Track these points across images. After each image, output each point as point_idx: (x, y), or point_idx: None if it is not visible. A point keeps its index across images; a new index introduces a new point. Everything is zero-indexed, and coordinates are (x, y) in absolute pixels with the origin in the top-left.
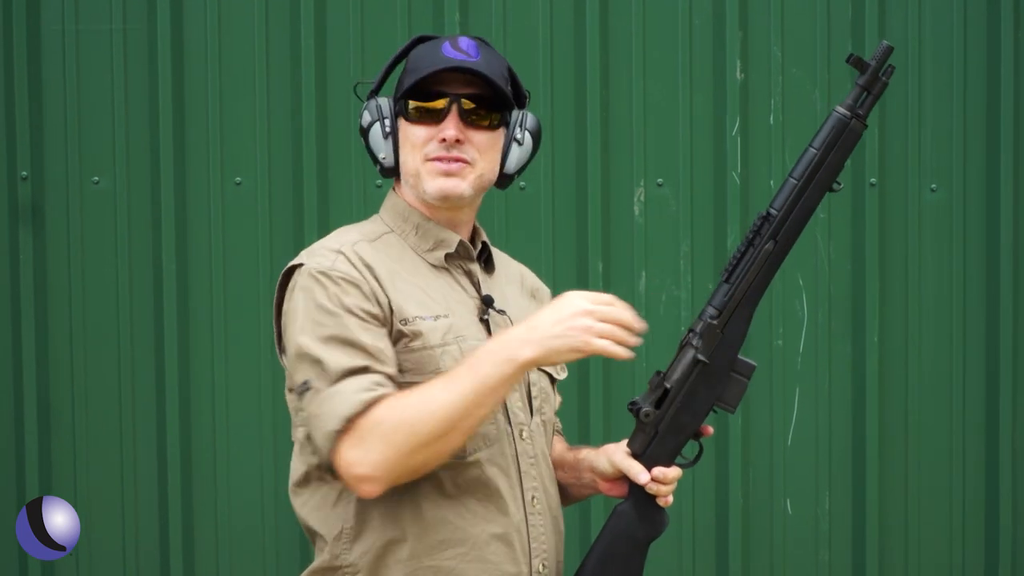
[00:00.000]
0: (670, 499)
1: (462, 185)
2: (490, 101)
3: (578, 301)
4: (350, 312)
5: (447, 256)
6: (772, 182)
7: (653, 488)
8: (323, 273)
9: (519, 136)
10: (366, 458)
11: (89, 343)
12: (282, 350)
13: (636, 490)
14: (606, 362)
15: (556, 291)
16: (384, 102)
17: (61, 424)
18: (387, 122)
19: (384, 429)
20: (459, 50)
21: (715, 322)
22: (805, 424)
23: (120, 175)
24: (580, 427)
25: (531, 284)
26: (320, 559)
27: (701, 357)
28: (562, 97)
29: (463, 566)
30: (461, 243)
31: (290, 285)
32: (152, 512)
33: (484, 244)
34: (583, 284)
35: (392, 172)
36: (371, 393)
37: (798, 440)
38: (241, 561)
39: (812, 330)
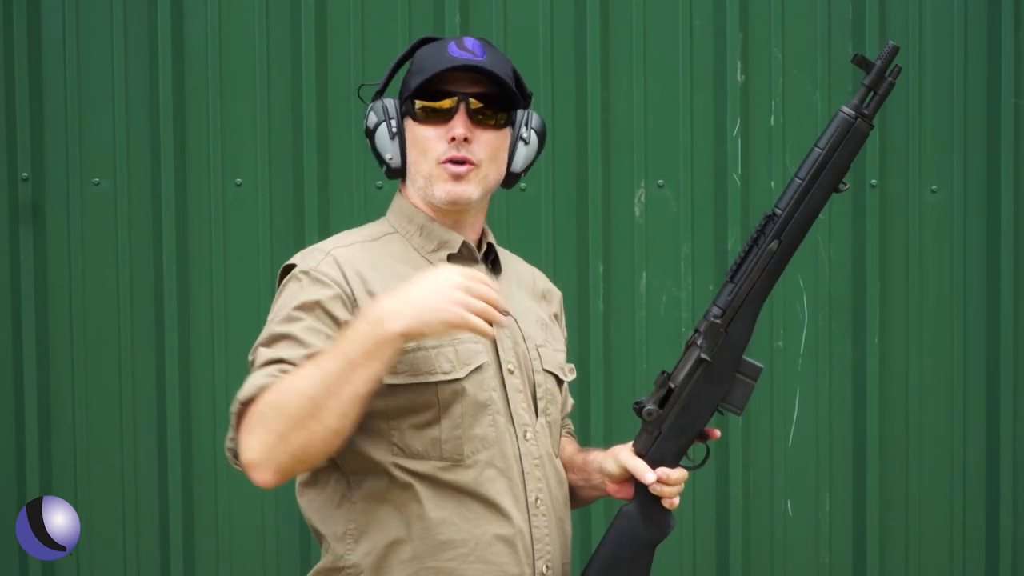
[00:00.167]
0: (676, 501)
1: (470, 189)
2: (497, 100)
3: (453, 276)
4: (310, 311)
5: (450, 257)
6: (773, 183)
7: (658, 489)
8: (305, 272)
9: (525, 135)
10: (250, 443)
11: (89, 344)
12: None
13: (642, 491)
14: (606, 362)
15: None
16: (390, 103)
17: (61, 424)
18: (393, 123)
19: (261, 412)
20: (465, 50)
21: (719, 321)
22: (806, 425)
23: (120, 176)
24: (580, 427)
25: (542, 287)
26: (324, 560)
27: (704, 356)
28: (562, 98)
29: (465, 567)
30: (465, 244)
31: (284, 282)
32: (152, 512)
33: (490, 245)
34: (583, 285)
35: (398, 173)
36: (269, 379)
37: (799, 441)
38: (241, 561)
39: (813, 331)
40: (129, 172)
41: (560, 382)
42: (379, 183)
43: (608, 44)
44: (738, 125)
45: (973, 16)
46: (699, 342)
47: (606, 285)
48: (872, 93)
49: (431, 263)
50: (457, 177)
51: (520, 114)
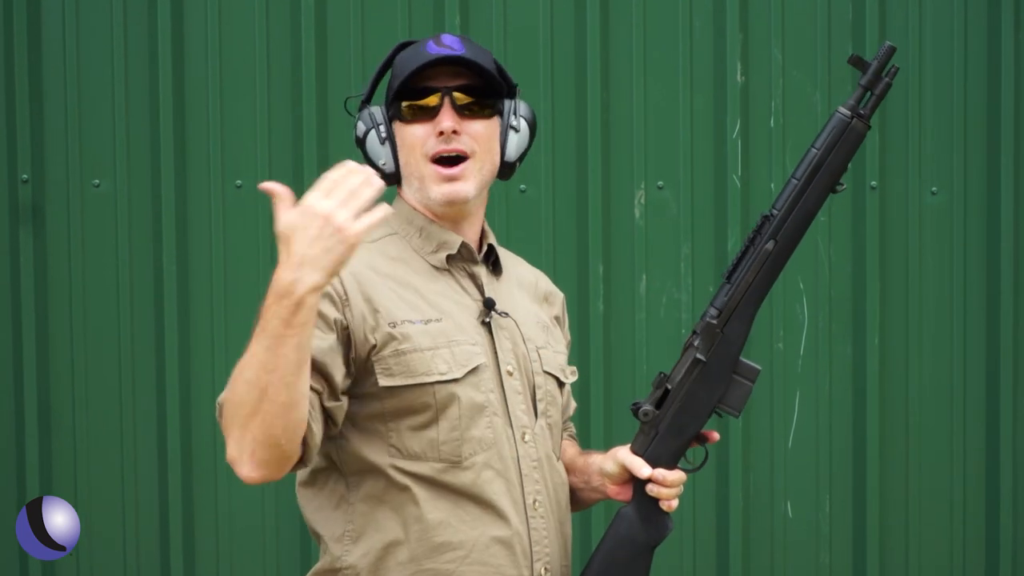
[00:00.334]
0: (674, 503)
1: (466, 187)
2: (481, 91)
3: (316, 207)
4: None
5: (449, 258)
6: (773, 185)
7: (655, 490)
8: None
9: (515, 123)
10: (228, 444)
11: (89, 344)
12: None
13: (640, 493)
14: (606, 364)
15: None
16: (376, 110)
17: (61, 424)
18: (382, 128)
19: (225, 412)
20: (443, 45)
21: (715, 322)
22: (806, 426)
23: (120, 178)
24: (580, 428)
25: (544, 289)
26: (322, 561)
27: (699, 356)
28: (562, 99)
29: (462, 569)
30: (464, 245)
31: None
32: (152, 512)
33: (491, 247)
34: (583, 286)
35: (394, 178)
36: None
37: (799, 442)
38: (241, 561)
39: (813, 333)
40: (129, 173)
41: (561, 384)
42: None
43: (608, 45)
44: (738, 126)
45: (973, 16)
46: (696, 343)
47: (606, 286)
48: (869, 93)
49: (430, 264)
50: (451, 178)
51: (508, 103)
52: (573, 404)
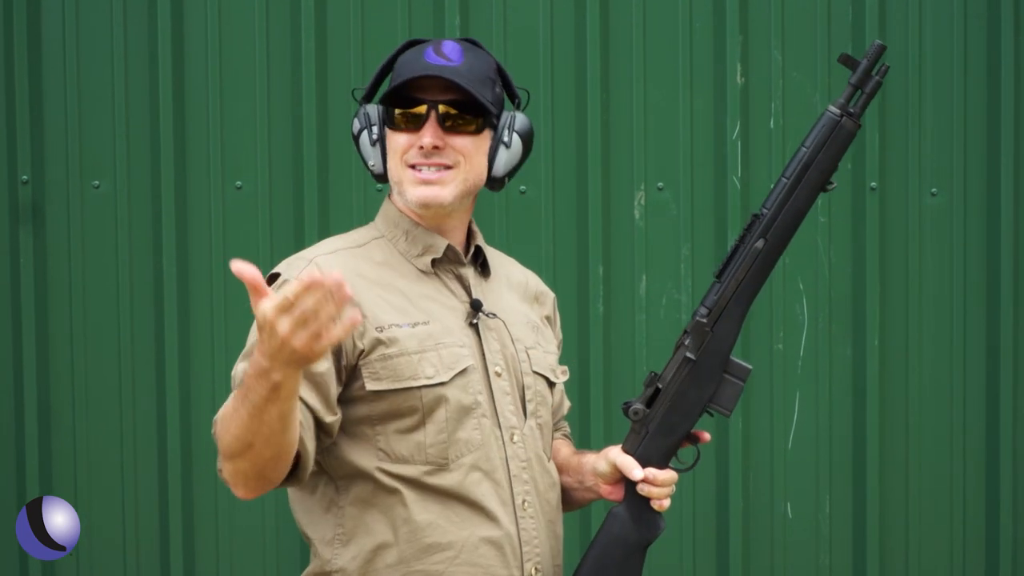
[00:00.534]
0: (666, 503)
1: (443, 192)
2: (470, 106)
3: (276, 328)
4: None
5: (435, 261)
6: (772, 186)
7: (646, 490)
8: (287, 282)
9: (506, 139)
10: (220, 461)
11: (89, 345)
12: None
13: (631, 493)
14: (606, 365)
15: (557, 296)
16: (373, 109)
17: (61, 425)
18: (375, 129)
19: (218, 440)
20: (441, 55)
21: (704, 320)
22: (805, 427)
23: (120, 179)
24: (580, 429)
25: (535, 289)
26: (313, 564)
27: (689, 355)
28: (562, 100)
29: (452, 570)
30: (449, 247)
31: None
32: (152, 512)
33: (478, 248)
34: (583, 288)
35: (383, 178)
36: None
37: (798, 443)
38: (241, 561)
39: (812, 333)
40: (129, 175)
41: (551, 384)
42: (379, 186)
43: (608, 46)
44: (738, 127)
45: (973, 20)
46: (686, 342)
47: (606, 287)
48: (859, 92)
49: (416, 267)
50: (427, 182)
51: (504, 117)
52: (567, 403)
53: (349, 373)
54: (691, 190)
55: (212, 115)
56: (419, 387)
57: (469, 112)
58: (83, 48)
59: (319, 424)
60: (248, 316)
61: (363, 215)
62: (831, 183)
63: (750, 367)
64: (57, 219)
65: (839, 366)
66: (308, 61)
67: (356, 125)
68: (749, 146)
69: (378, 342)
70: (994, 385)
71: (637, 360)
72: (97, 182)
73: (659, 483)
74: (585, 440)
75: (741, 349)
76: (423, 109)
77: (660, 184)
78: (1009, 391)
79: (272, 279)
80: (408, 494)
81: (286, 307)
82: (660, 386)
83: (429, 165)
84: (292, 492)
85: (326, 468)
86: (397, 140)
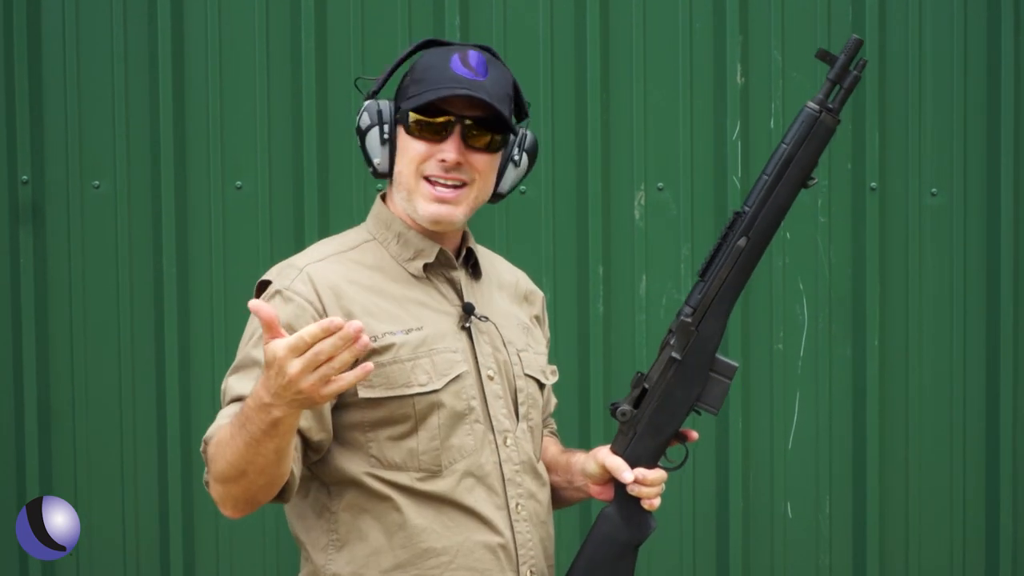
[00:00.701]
0: (656, 502)
1: (456, 212)
2: (492, 123)
3: (284, 368)
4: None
5: (427, 266)
6: (753, 183)
7: (636, 490)
8: (278, 292)
9: (516, 157)
10: (210, 481)
11: (90, 346)
12: None
13: (621, 493)
14: (606, 365)
15: (557, 296)
16: (385, 106)
17: (61, 425)
18: (386, 128)
19: (209, 459)
20: (468, 67)
21: (689, 319)
22: (805, 427)
23: (120, 179)
24: (580, 430)
25: (524, 289)
26: (306, 569)
27: (675, 355)
28: (562, 101)
29: (448, 574)
30: (442, 251)
31: (259, 299)
32: (152, 512)
33: (470, 250)
34: (583, 288)
35: (384, 176)
36: (226, 420)
37: (799, 443)
38: (241, 561)
39: (812, 334)
40: (129, 175)
41: (541, 386)
42: (380, 186)
43: (608, 46)
44: (738, 128)
45: (973, 20)
46: (671, 341)
47: (606, 288)
48: (837, 87)
49: (408, 271)
50: (443, 200)
51: (516, 135)
52: (554, 401)
53: None
54: (691, 190)
55: (212, 115)
56: (412, 395)
57: (491, 129)
58: (83, 48)
59: (307, 443)
60: (247, 316)
61: (363, 215)
62: (812, 178)
63: (736, 364)
64: (57, 219)
65: (839, 366)
66: (308, 61)
67: (365, 119)
68: (749, 146)
69: (372, 351)
70: (994, 385)
71: (637, 360)
72: (97, 182)
73: (649, 483)
74: (585, 440)
75: (741, 349)
76: (446, 120)
77: (660, 184)
78: (1009, 391)
79: (262, 287)
80: (401, 500)
81: (299, 348)
82: (647, 386)
83: (447, 180)
84: None
85: (318, 474)
86: (414, 147)
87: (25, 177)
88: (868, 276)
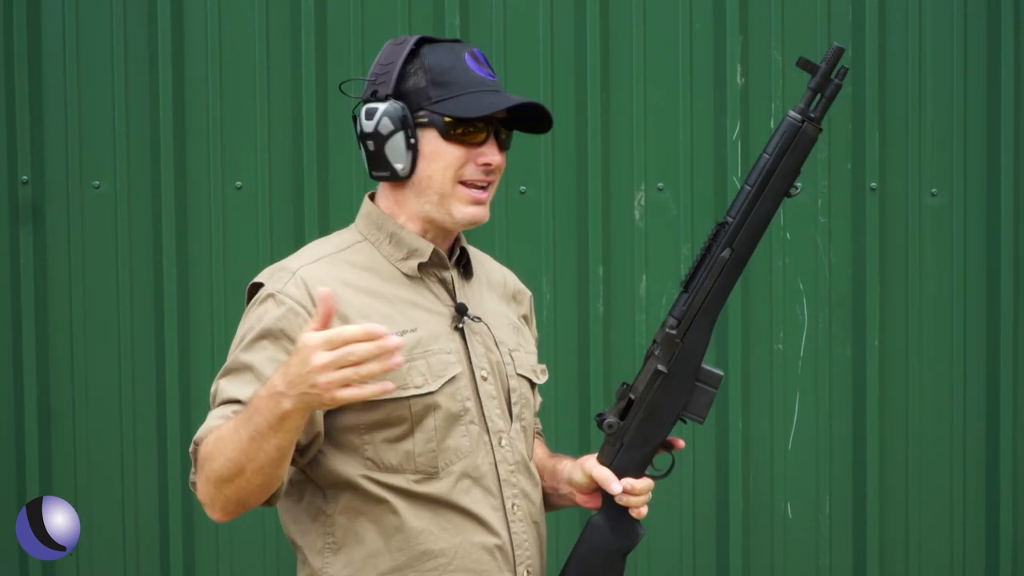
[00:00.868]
0: (643, 511)
1: (487, 211)
2: (508, 123)
3: (311, 357)
4: (275, 340)
5: (420, 266)
6: (736, 193)
7: (623, 499)
8: (271, 296)
9: None
10: (198, 484)
11: (90, 346)
12: None
13: (609, 501)
14: (606, 365)
15: (557, 296)
16: (404, 109)
17: (61, 425)
18: (411, 132)
19: (203, 460)
20: (481, 65)
21: (674, 332)
22: (806, 428)
23: (120, 179)
24: (579, 432)
25: (512, 288)
26: (303, 572)
27: (660, 367)
28: (563, 101)
29: None
30: (434, 251)
31: (250, 303)
32: (152, 512)
33: (462, 249)
34: (583, 288)
35: (396, 180)
36: (220, 421)
37: (799, 444)
38: (241, 561)
39: (812, 334)
40: (129, 175)
41: (533, 385)
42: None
43: (608, 46)
44: (738, 128)
45: (973, 21)
46: (656, 353)
47: (606, 288)
48: (819, 96)
49: (401, 271)
50: (479, 201)
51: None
52: (539, 399)
53: None
54: (691, 190)
55: (212, 115)
56: (408, 397)
57: (509, 129)
58: (83, 48)
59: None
60: None
61: None
62: (795, 188)
63: (721, 373)
64: (57, 219)
65: (839, 366)
66: (308, 61)
67: (387, 124)
68: (749, 146)
69: None
70: (994, 385)
71: (637, 360)
72: (97, 182)
73: (637, 492)
74: (585, 441)
75: (741, 349)
76: (486, 125)
77: (660, 184)
78: (1009, 391)
79: (254, 289)
80: (398, 503)
81: (333, 342)
82: (632, 397)
83: (483, 182)
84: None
85: (313, 477)
86: (452, 152)
87: (25, 177)
88: (868, 276)
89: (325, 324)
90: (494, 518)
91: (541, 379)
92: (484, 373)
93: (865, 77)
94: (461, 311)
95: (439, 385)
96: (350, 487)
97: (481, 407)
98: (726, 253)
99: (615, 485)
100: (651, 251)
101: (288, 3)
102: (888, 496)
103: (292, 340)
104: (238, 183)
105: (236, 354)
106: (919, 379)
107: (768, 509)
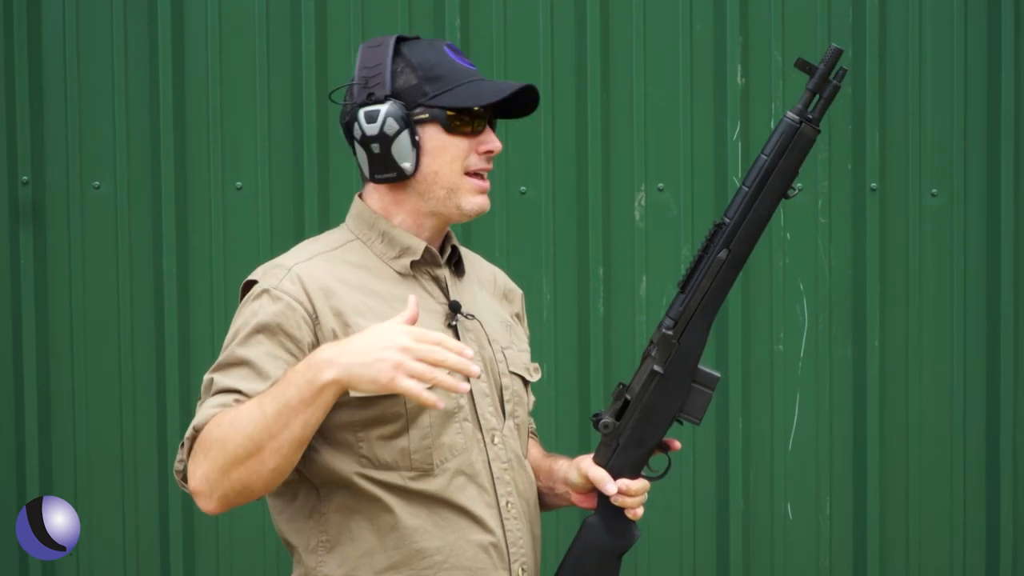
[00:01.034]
0: (639, 512)
1: (489, 199)
2: (497, 110)
3: (397, 336)
4: (272, 335)
5: (413, 264)
6: (733, 194)
7: (620, 500)
8: (266, 291)
9: None
10: (195, 471)
11: (90, 346)
12: None
13: (605, 502)
14: (607, 366)
15: (557, 296)
16: (401, 108)
17: (61, 424)
18: (415, 129)
19: (206, 444)
20: (460, 55)
21: (670, 333)
22: (806, 428)
23: (121, 179)
24: (580, 432)
25: (503, 286)
26: (297, 571)
27: (657, 368)
28: (563, 101)
29: (441, 574)
30: (427, 249)
31: (244, 299)
32: (152, 512)
33: (454, 248)
34: (584, 288)
35: (402, 179)
36: (219, 408)
37: (799, 444)
38: (241, 561)
39: (813, 334)
40: (129, 176)
41: (526, 383)
42: None
43: (608, 47)
44: (738, 128)
45: (973, 21)
46: (653, 353)
47: (606, 288)
48: (817, 97)
49: (393, 270)
50: (483, 191)
51: None
52: (533, 399)
53: None
54: (691, 191)
55: (212, 115)
56: None
57: (498, 116)
58: (83, 47)
59: None
60: None
61: None
62: (793, 189)
63: (718, 375)
64: (57, 219)
65: (839, 367)
66: (308, 61)
67: (392, 125)
68: (749, 147)
69: None
70: (994, 385)
71: (637, 361)
72: (97, 182)
73: (632, 493)
74: (585, 443)
75: (741, 349)
76: (480, 111)
77: (660, 185)
78: (1009, 391)
79: (248, 286)
80: (392, 501)
81: (421, 337)
82: (629, 398)
83: (487, 171)
84: (271, 500)
85: (307, 475)
86: (456, 145)
87: (25, 177)
88: (868, 276)
89: (408, 320)
90: (488, 515)
91: (534, 377)
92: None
93: (865, 77)
94: (454, 308)
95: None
96: (345, 485)
97: (474, 404)
98: (723, 254)
99: (610, 486)
100: (651, 251)
101: (288, 3)
102: (888, 496)
103: (289, 335)
104: (238, 183)
105: (231, 349)
106: (919, 379)
107: (768, 510)
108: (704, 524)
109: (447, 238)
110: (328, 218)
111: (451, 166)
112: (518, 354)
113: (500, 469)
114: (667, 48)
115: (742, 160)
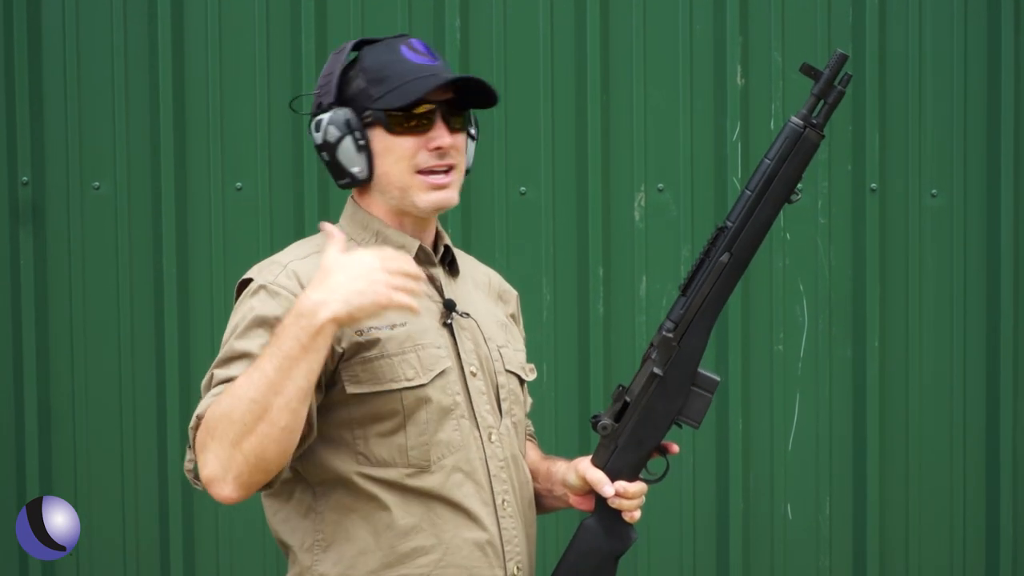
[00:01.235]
0: (636, 514)
1: (452, 195)
2: (460, 104)
3: (371, 259)
4: (269, 327)
5: None
6: (736, 198)
7: (617, 503)
8: (263, 287)
9: (474, 132)
10: (206, 459)
11: (90, 345)
12: None
13: (602, 505)
14: (607, 366)
15: (557, 296)
16: (350, 114)
17: (61, 424)
18: (358, 135)
19: (211, 424)
20: (419, 53)
21: (671, 335)
22: (806, 429)
23: (120, 180)
24: (579, 433)
25: (498, 287)
26: (292, 571)
27: (656, 371)
28: (563, 102)
29: (437, 572)
30: (421, 248)
31: (241, 297)
32: (152, 511)
33: (447, 248)
34: (584, 289)
35: (359, 184)
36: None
37: (799, 445)
38: (241, 561)
39: (813, 335)
40: (129, 176)
41: (523, 382)
42: None
43: (608, 47)
44: (738, 129)
45: (973, 22)
46: (653, 356)
47: (606, 289)
48: (822, 102)
49: None
50: (439, 186)
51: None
52: (530, 400)
53: (329, 378)
54: (691, 191)
55: (212, 115)
56: (400, 389)
57: (461, 110)
58: (83, 48)
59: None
60: None
61: None
62: (796, 194)
63: (718, 379)
64: (57, 219)
65: (839, 367)
66: (308, 61)
67: (334, 132)
68: (749, 147)
69: (358, 345)
70: (994, 385)
71: (637, 362)
72: (97, 183)
73: (630, 496)
74: (586, 442)
75: (742, 350)
76: (425, 108)
77: (660, 185)
78: (1009, 391)
79: (243, 285)
80: (389, 498)
81: (384, 256)
82: (628, 400)
83: (440, 167)
84: (266, 502)
85: (303, 474)
86: (401, 145)
87: (25, 178)
88: (868, 277)
89: (343, 244)
90: (484, 513)
91: (530, 376)
92: (473, 368)
93: (865, 77)
94: (449, 307)
95: (430, 378)
96: (341, 483)
97: (471, 402)
98: (725, 257)
99: (608, 488)
100: (651, 252)
101: (288, 3)
102: (888, 497)
103: (272, 327)
104: (238, 184)
105: (230, 343)
106: (919, 379)
107: (768, 510)
108: (704, 524)
109: (439, 237)
110: (328, 218)
111: (398, 166)
112: (514, 353)
113: (497, 467)
114: (667, 48)
115: (742, 160)
